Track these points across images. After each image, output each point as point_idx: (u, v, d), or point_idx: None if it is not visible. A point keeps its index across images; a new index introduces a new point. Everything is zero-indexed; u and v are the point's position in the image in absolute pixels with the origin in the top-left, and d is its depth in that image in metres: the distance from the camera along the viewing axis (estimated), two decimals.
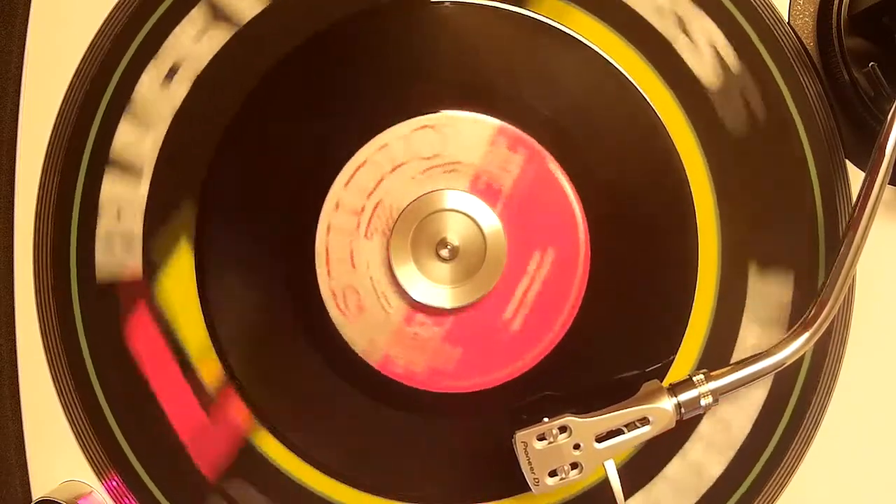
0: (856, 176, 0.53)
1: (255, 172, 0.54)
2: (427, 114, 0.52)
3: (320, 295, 0.53)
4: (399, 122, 0.52)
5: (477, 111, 0.52)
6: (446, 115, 0.52)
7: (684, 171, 0.53)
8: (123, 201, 0.54)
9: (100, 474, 0.55)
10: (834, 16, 0.51)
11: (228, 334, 0.54)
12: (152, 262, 0.54)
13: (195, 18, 0.54)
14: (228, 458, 0.55)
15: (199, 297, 0.54)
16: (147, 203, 0.54)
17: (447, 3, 0.53)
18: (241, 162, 0.54)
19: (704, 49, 0.53)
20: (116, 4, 0.54)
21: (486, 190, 0.52)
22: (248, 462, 0.54)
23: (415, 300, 0.52)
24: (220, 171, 0.54)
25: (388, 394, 0.53)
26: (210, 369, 0.54)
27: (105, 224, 0.54)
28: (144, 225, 0.54)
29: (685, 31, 0.53)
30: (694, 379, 0.49)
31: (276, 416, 0.54)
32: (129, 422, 0.55)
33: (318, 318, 0.53)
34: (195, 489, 0.55)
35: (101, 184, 0.54)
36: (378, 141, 0.52)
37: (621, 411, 0.49)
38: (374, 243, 0.52)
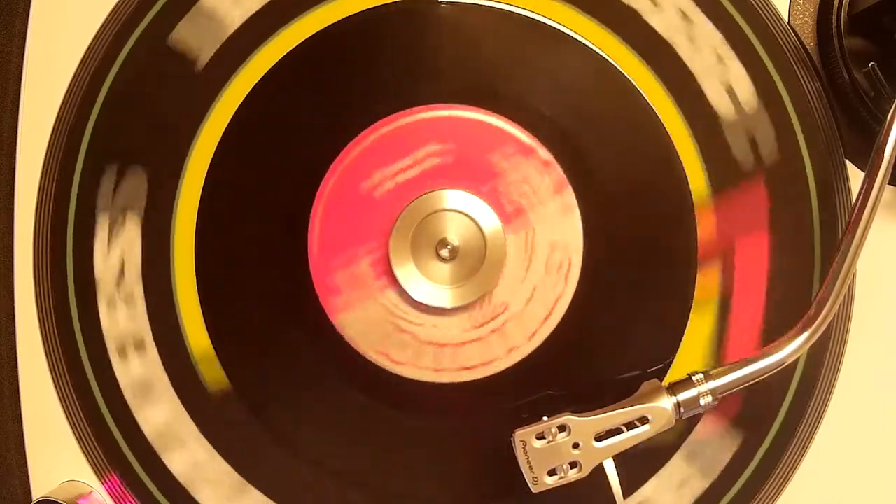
0: (856, 176, 0.53)
1: (252, 174, 0.54)
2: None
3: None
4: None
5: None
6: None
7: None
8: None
9: (100, 474, 0.55)
10: (834, 16, 0.51)
11: (231, 343, 0.55)
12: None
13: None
14: None
15: (201, 303, 0.54)
16: (146, 203, 0.54)
17: (447, 4, 0.53)
18: (238, 164, 0.54)
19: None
20: (116, 5, 0.54)
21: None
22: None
23: (415, 300, 0.52)
24: (219, 174, 0.54)
25: (388, 394, 0.53)
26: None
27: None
28: (143, 226, 0.54)
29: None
30: (693, 378, 0.49)
31: (277, 416, 0.54)
32: (129, 422, 0.55)
33: (314, 314, 0.53)
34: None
35: (100, 183, 0.54)
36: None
37: (620, 410, 0.49)
38: None
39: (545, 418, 0.49)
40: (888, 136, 0.47)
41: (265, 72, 0.54)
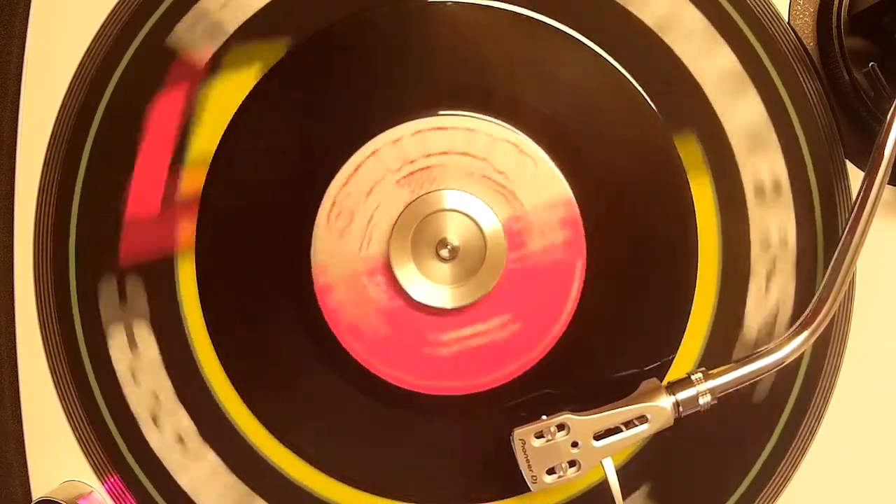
0: (856, 176, 0.53)
1: (251, 175, 0.54)
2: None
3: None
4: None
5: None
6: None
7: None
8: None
9: (100, 474, 0.55)
10: (834, 16, 0.51)
11: (227, 335, 0.54)
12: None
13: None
14: (148, 257, 0.54)
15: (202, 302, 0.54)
16: None
17: (447, 3, 0.53)
18: (236, 169, 0.54)
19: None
20: (116, 5, 0.54)
21: (513, 235, 0.52)
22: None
23: (415, 300, 0.52)
24: (216, 181, 0.54)
25: (387, 394, 0.53)
26: (193, 181, 0.54)
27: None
28: None
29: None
30: (692, 377, 0.49)
31: (274, 416, 0.54)
32: (129, 422, 0.55)
33: (315, 313, 0.53)
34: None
35: (101, 183, 0.54)
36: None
37: (619, 409, 0.49)
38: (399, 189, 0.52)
39: (544, 417, 0.49)
40: (888, 135, 0.47)
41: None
